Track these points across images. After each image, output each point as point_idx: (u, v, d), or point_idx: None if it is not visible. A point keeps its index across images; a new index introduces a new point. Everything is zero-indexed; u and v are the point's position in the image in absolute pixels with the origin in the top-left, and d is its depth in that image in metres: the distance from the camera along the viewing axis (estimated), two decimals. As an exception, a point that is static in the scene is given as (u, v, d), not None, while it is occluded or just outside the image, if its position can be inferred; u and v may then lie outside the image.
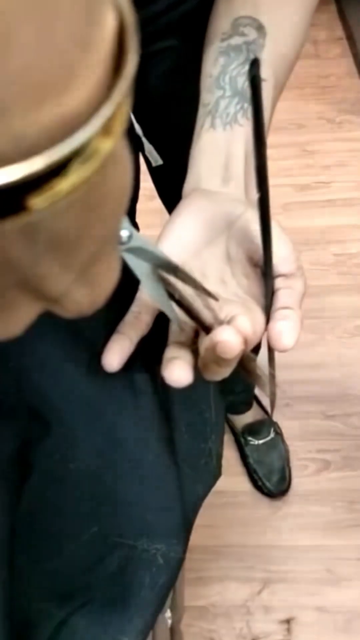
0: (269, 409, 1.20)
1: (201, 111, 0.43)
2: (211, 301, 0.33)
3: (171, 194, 0.57)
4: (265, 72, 0.42)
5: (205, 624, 1.05)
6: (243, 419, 1.24)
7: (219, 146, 0.40)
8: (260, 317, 0.33)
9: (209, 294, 0.32)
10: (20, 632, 0.36)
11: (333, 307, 1.45)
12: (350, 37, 2.25)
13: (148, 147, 0.66)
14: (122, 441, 0.40)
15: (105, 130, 0.14)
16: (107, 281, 0.20)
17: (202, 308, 0.33)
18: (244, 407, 1.24)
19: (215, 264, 0.37)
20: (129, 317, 0.37)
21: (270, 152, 0.30)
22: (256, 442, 1.22)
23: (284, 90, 0.46)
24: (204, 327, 0.31)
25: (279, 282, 0.35)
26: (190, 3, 0.56)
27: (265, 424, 1.23)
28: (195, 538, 0.41)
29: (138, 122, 0.64)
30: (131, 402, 0.41)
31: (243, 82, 0.41)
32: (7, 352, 0.39)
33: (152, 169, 0.72)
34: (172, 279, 0.31)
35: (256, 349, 0.78)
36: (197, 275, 0.35)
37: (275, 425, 1.24)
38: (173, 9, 0.56)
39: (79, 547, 0.38)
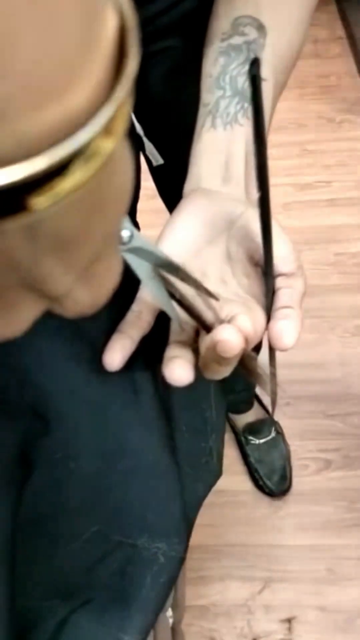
0: (269, 408, 1.20)
1: (201, 111, 0.43)
2: (212, 301, 0.33)
3: (172, 193, 0.57)
4: (266, 72, 0.42)
5: (206, 623, 1.05)
6: (244, 418, 1.24)
7: (219, 146, 0.40)
8: (260, 316, 0.33)
9: (209, 293, 0.33)
10: (22, 630, 0.36)
11: (334, 307, 1.45)
12: (350, 37, 2.25)
13: (149, 146, 0.66)
14: (123, 440, 0.40)
15: (107, 130, 0.14)
16: (109, 281, 0.20)
17: (203, 307, 0.33)
18: (245, 406, 1.24)
19: (215, 264, 0.37)
20: (130, 316, 0.37)
21: (270, 152, 0.30)
22: (257, 441, 1.22)
23: (284, 90, 0.46)
24: (205, 326, 0.32)
25: (279, 282, 0.35)
26: (190, 3, 0.56)
27: (266, 423, 1.23)
28: (196, 537, 0.41)
29: (139, 121, 0.64)
30: (132, 401, 0.41)
31: (243, 82, 0.41)
32: (9, 351, 0.40)
33: (152, 169, 0.72)
34: (173, 278, 0.31)
35: (257, 348, 0.78)
36: (197, 274, 0.35)
37: (276, 424, 1.24)
38: (173, 9, 0.56)
39: (80, 546, 0.38)
